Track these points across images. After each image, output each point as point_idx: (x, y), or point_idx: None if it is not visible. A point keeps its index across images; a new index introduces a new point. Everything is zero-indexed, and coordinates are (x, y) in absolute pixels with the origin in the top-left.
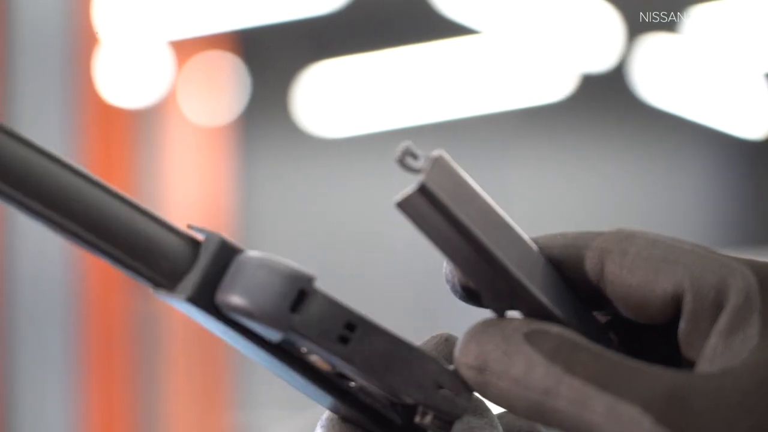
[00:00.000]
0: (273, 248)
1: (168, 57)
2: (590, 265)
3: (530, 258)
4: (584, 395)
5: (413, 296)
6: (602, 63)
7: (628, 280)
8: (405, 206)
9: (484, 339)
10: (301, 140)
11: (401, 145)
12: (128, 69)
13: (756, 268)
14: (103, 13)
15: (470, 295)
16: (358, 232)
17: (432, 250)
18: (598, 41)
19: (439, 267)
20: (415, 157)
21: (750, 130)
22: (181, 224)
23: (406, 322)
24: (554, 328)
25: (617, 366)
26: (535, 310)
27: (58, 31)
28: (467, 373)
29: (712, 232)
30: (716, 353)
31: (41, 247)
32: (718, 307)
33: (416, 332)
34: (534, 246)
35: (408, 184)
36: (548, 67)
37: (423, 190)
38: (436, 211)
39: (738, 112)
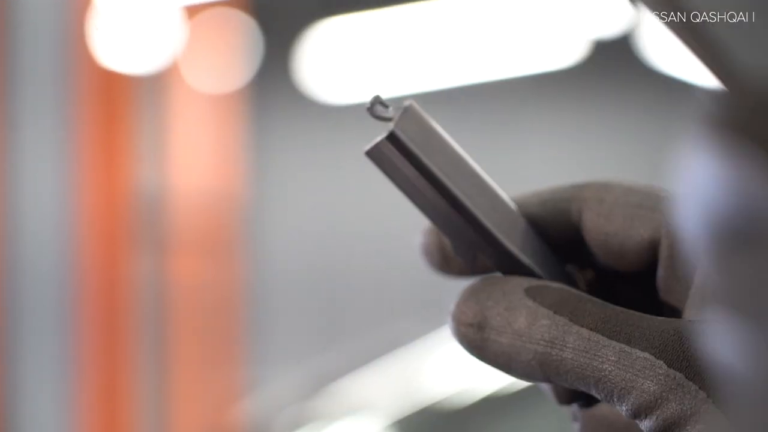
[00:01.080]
0: (282, 220)
1: (174, 21)
2: (568, 215)
3: (500, 207)
4: (593, 344)
5: (421, 258)
6: (613, 29)
7: (606, 227)
8: (374, 154)
9: (483, 296)
10: (311, 107)
11: (372, 95)
12: (132, 33)
13: None
14: None
15: (446, 263)
16: (367, 199)
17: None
18: (609, 6)
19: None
20: (385, 106)
21: None
22: (190, 187)
23: (412, 284)
24: (555, 284)
25: (624, 315)
26: (503, 260)
27: None
28: (465, 332)
29: None
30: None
31: (42, 212)
32: None
33: (421, 292)
34: (506, 197)
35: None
36: (559, 33)
37: (392, 138)
38: (405, 159)
39: None
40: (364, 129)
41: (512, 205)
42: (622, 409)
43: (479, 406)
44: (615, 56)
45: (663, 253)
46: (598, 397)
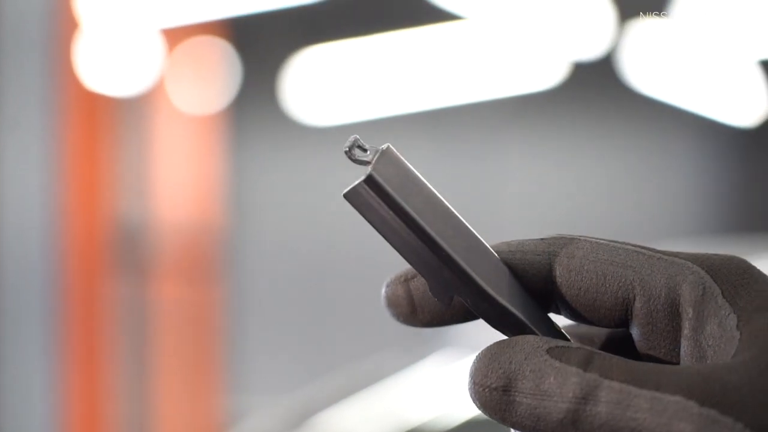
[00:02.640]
0: (262, 237)
1: (157, 44)
2: (537, 268)
3: (476, 249)
4: (625, 395)
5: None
6: (593, 51)
7: (578, 282)
8: (352, 197)
9: (505, 360)
10: (292, 129)
11: (350, 138)
12: (116, 57)
13: (701, 260)
14: (89, 1)
15: (414, 313)
16: (349, 223)
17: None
18: (589, 29)
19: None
20: (363, 149)
21: (740, 118)
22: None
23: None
24: (574, 344)
25: (648, 366)
26: (480, 300)
27: (40, 18)
28: (490, 396)
29: (702, 218)
30: (703, 346)
31: (24, 231)
32: (671, 305)
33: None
34: (482, 240)
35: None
36: (539, 56)
37: (369, 181)
38: (382, 202)
39: (728, 99)
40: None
41: (488, 247)
42: None
43: (459, 430)
44: (595, 78)
45: (639, 310)
46: None
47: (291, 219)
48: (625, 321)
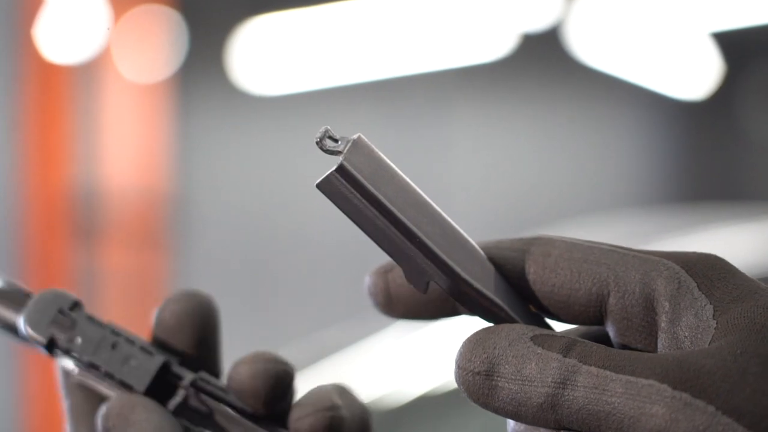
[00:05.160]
0: (209, 206)
1: (105, 12)
2: (512, 265)
3: (450, 235)
4: (602, 379)
5: (353, 257)
6: (541, 22)
7: (552, 279)
8: (324, 187)
9: (489, 345)
10: (239, 98)
11: (320, 129)
12: (65, 25)
13: (675, 257)
14: None
15: (389, 304)
16: (297, 192)
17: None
18: (537, 0)
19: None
20: (334, 140)
21: (688, 91)
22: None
23: (345, 282)
24: (558, 332)
25: (626, 352)
26: (455, 286)
27: None
28: (473, 380)
29: (651, 192)
30: (679, 337)
31: None
32: (646, 300)
33: (354, 291)
34: (455, 224)
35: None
36: (487, 26)
37: (341, 171)
38: (355, 191)
39: (676, 72)
40: (292, 120)
41: (462, 232)
42: None
43: (412, 406)
44: (542, 50)
45: (614, 306)
46: None
47: (241, 187)
48: (598, 319)
